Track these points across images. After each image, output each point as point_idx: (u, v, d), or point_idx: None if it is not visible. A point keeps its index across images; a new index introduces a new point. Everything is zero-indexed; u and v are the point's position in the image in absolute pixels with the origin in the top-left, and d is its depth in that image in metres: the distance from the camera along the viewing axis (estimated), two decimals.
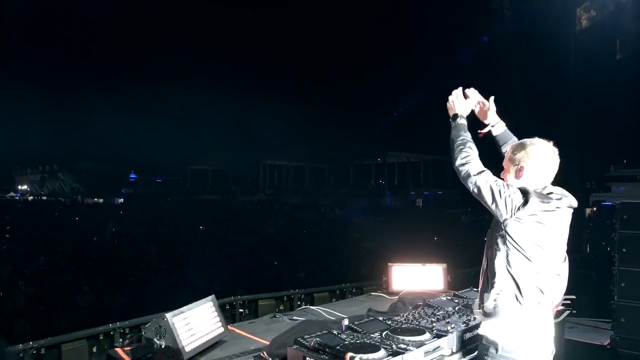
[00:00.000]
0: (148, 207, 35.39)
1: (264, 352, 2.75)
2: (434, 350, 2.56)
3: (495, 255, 2.40)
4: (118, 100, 76.09)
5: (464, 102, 2.75)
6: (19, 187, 71.75)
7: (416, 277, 4.53)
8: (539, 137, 2.54)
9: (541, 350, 2.40)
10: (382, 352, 2.37)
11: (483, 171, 2.43)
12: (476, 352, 2.57)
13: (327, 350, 2.36)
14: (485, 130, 2.90)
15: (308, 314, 3.95)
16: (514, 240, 2.35)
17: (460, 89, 2.78)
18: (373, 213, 32.01)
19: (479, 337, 2.50)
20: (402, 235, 17.13)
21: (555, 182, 2.53)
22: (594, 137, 36.02)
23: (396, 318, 3.01)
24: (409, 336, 2.56)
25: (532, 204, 2.32)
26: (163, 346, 2.76)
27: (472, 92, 2.84)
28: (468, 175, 2.43)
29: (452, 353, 2.68)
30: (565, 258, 2.46)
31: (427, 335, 2.62)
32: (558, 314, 2.89)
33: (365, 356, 2.29)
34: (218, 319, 3.21)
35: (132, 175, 63.97)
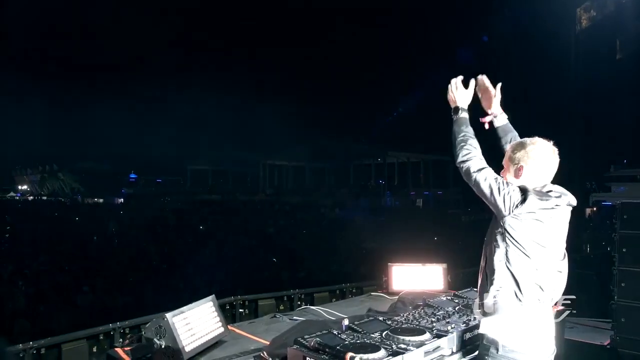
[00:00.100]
0: (148, 207, 35.36)
1: (264, 352, 2.76)
2: (434, 350, 2.56)
3: (495, 251, 2.41)
4: (118, 100, 76.18)
5: (464, 92, 2.72)
6: (19, 187, 71.78)
7: (416, 277, 4.54)
8: (538, 136, 2.55)
9: (542, 349, 2.39)
10: (382, 352, 2.37)
11: (483, 168, 2.44)
12: (477, 352, 2.56)
13: (327, 350, 2.36)
14: (488, 119, 2.89)
15: (308, 314, 3.95)
16: (513, 237, 2.36)
17: (460, 78, 2.73)
18: (373, 213, 31.98)
19: (480, 337, 2.50)
20: (402, 235, 17.14)
21: (555, 182, 2.53)
22: (594, 137, 36.04)
23: (396, 318, 3.00)
24: (409, 336, 2.56)
25: (531, 201, 2.33)
26: (163, 346, 2.76)
27: (483, 78, 2.81)
28: (469, 173, 2.45)
29: (452, 353, 2.67)
30: (565, 255, 2.47)
31: (427, 335, 2.61)
32: (558, 314, 2.89)
33: (365, 356, 2.29)
34: (218, 319, 3.21)
35: (132, 175, 63.98)
